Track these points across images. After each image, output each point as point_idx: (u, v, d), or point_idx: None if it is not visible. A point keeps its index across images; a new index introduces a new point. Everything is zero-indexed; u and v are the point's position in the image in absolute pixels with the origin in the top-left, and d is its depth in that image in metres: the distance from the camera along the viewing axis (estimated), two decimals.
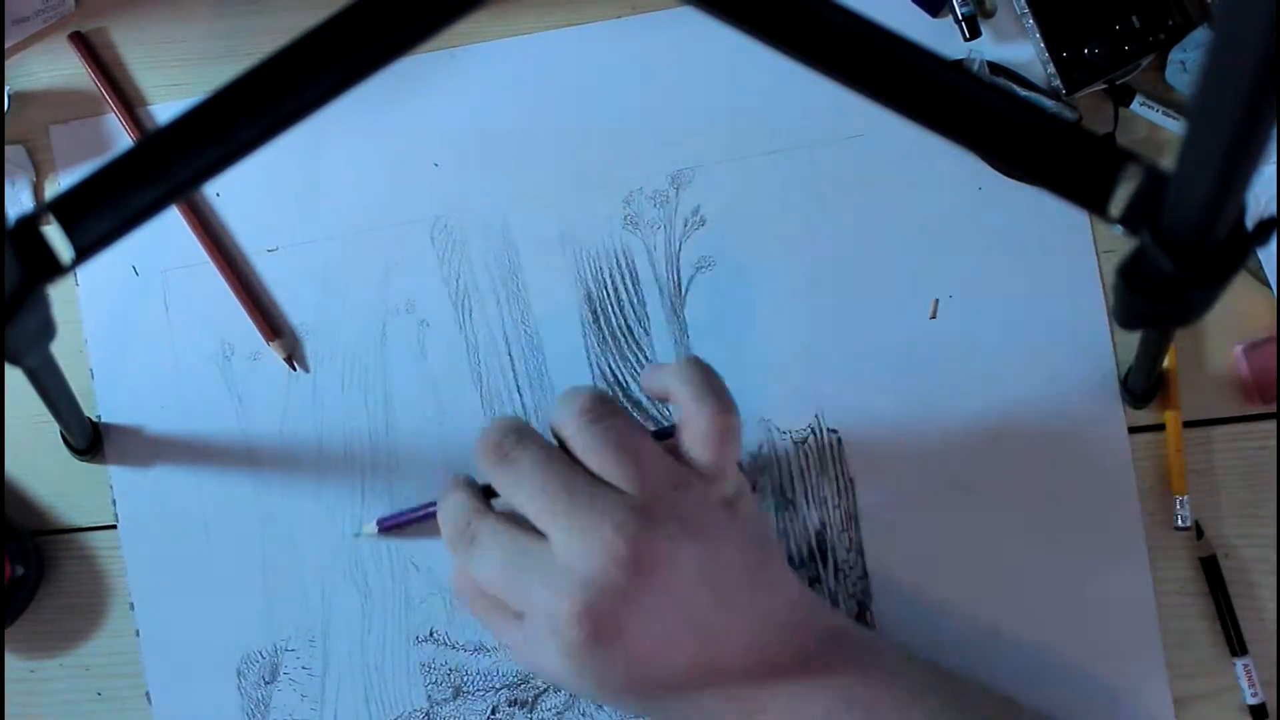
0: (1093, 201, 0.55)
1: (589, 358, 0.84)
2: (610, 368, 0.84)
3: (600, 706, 0.81)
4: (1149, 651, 0.80)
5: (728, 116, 0.84)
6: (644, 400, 0.83)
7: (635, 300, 0.84)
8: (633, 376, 0.83)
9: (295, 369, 0.84)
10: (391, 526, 0.82)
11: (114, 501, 0.84)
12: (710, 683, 0.67)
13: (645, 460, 0.66)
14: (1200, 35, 0.81)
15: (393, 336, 0.84)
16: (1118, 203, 0.54)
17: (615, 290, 0.84)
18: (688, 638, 0.65)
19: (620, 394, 0.83)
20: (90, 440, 0.83)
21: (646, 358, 0.83)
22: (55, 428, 0.81)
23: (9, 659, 0.84)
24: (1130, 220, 0.54)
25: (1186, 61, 0.81)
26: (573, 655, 0.64)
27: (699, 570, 0.65)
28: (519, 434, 0.69)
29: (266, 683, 0.83)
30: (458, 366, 0.84)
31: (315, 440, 0.84)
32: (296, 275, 0.85)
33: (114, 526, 0.84)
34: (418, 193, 0.85)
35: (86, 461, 0.84)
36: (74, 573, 0.84)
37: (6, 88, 0.85)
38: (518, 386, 0.84)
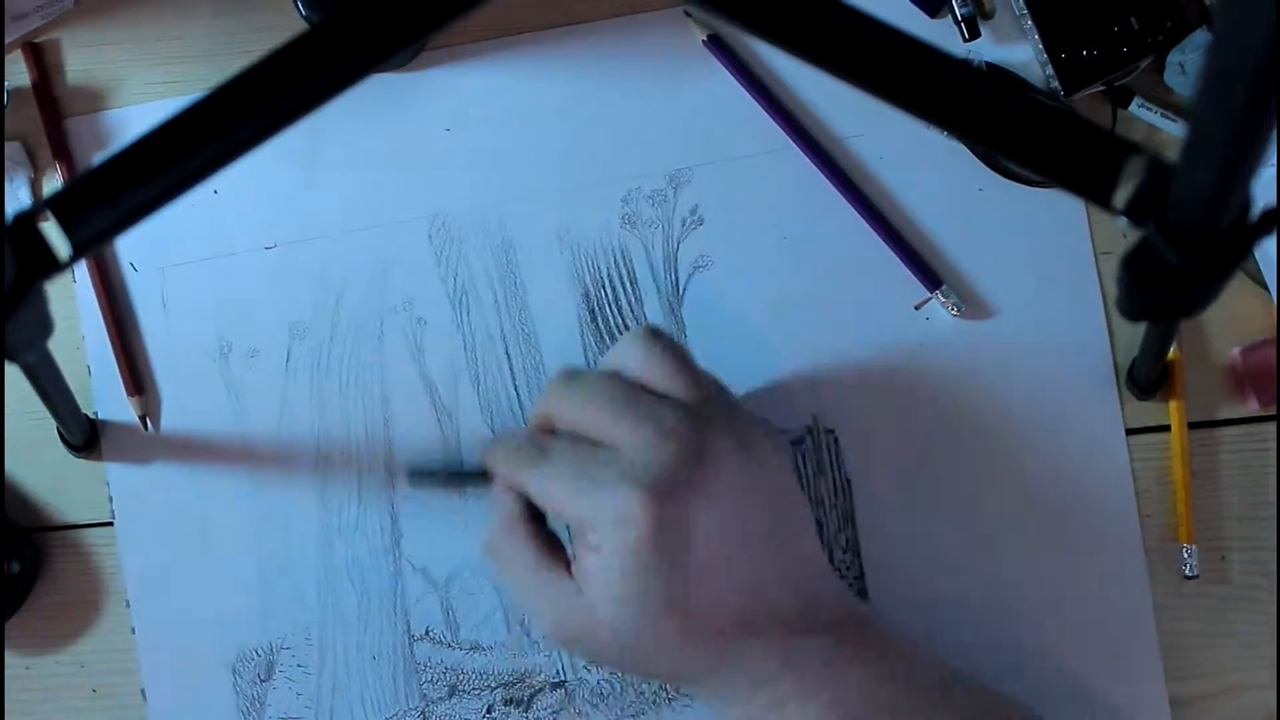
0: (1097, 193, 0.55)
1: (586, 356, 0.84)
2: None
3: (595, 705, 0.81)
4: (1146, 653, 0.80)
5: (726, 116, 0.84)
6: None
7: (633, 299, 0.84)
8: None
9: (148, 428, 0.84)
10: (422, 474, 0.82)
11: (110, 499, 0.84)
12: (757, 632, 0.68)
13: (697, 373, 0.71)
14: (1199, 37, 0.81)
15: (390, 334, 0.84)
16: (1122, 195, 0.54)
17: (613, 289, 0.84)
18: (742, 555, 0.67)
19: None
20: (87, 437, 0.83)
21: None
22: (52, 424, 0.81)
23: (5, 656, 0.84)
24: (1134, 212, 0.54)
25: (1185, 63, 0.81)
26: (639, 559, 0.65)
27: (750, 480, 0.68)
28: (582, 370, 0.73)
29: (262, 680, 0.82)
30: (455, 364, 0.84)
31: (313, 438, 0.84)
32: (294, 273, 0.85)
33: (110, 523, 0.84)
34: (416, 191, 0.85)
35: (83, 458, 0.84)
36: (70, 570, 0.84)
37: (5, 84, 0.85)
38: (514, 384, 0.84)
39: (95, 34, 0.87)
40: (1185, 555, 0.80)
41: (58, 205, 0.54)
